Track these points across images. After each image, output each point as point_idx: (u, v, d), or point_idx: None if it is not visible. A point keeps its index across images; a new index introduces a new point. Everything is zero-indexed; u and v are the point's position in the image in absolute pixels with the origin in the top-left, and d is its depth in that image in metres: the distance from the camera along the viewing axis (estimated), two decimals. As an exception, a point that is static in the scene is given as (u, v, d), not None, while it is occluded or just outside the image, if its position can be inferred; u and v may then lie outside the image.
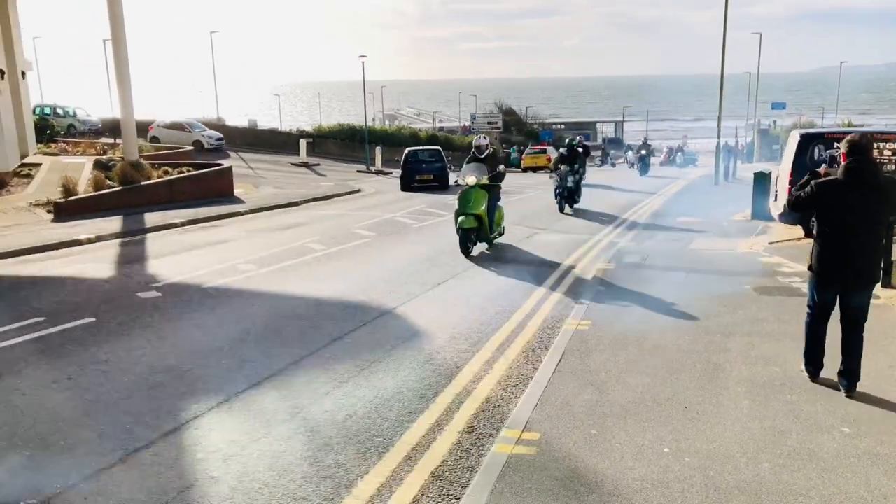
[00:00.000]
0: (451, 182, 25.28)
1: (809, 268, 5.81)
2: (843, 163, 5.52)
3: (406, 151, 28.48)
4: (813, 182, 5.63)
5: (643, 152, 34.34)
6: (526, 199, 22.39)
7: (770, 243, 12.86)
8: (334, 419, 5.39)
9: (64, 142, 29.62)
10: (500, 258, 11.93)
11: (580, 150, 20.72)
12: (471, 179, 12.02)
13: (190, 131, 39.08)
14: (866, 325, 5.66)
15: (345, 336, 7.51)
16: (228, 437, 5.10)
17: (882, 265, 6.33)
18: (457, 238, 11.87)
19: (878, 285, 8.82)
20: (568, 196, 18.39)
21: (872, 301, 5.75)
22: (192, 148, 33.81)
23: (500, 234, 13.02)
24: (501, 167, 12.68)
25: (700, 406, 5.45)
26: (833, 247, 5.54)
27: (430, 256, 11.95)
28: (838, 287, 5.62)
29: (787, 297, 8.73)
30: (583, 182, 19.55)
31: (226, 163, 23.94)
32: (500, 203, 12.76)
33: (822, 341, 5.87)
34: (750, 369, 6.23)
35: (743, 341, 7.02)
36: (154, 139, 38.25)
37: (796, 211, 6.19)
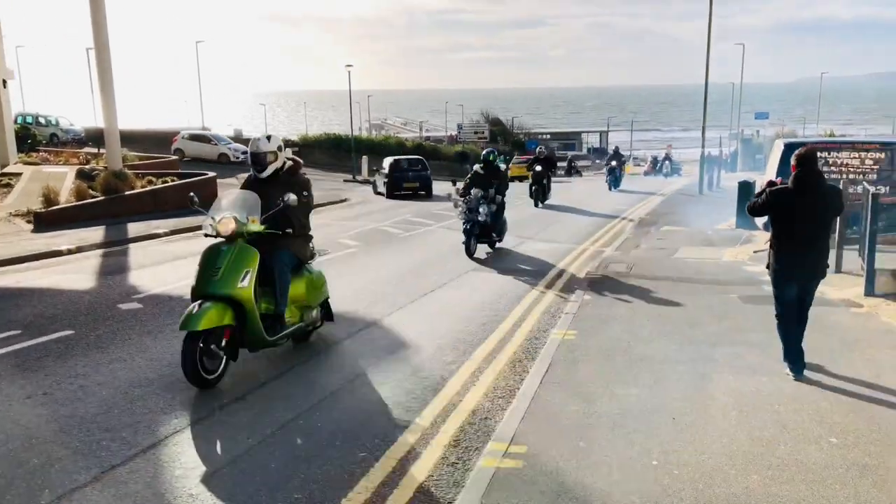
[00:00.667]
0: (440, 192, 25.31)
1: (767, 266, 6.44)
2: (793, 173, 6.13)
3: (391, 161, 28.83)
4: (768, 190, 6.30)
5: (613, 163, 31.38)
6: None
7: (755, 252, 12.88)
8: (318, 433, 5.29)
9: (46, 151, 29.27)
10: (488, 268, 11.87)
11: (503, 167, 17.21)
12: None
13: (216, 144, 38.79)
14: (852, 336, 5.74)
15: (330, 348, 7.41)
16: (209, 452, 4.99)
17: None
18: (443, 248, 11.99)
19: (862, 293, 8.88)
20: (482, 233, 13.18)
21: (855, 310, 6.78)
22: (216, 160, 35.11)
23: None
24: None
25: (688, 417, 5.40)
26: (787, 247, 6.20)
27: (417, 266, 11.88)
28: (795, 282, 6.24)
29: (772, 306, 8.70)
30: (503, 209, 13.72)
31: (210, 173, 23.76)
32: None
33: (794, 329, 6.31)
34: (737, 379, 6.20)
35: (729, 351, 6.99)
36: (178, 151, 38.15)
37: (754, 216, 6.73)
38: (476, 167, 13.71)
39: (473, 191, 12.95)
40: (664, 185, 33.25)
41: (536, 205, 22.63)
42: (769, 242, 6.44)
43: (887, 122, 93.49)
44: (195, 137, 39.90)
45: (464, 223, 12.97)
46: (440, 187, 27.74)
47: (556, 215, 20.50)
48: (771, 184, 6.44)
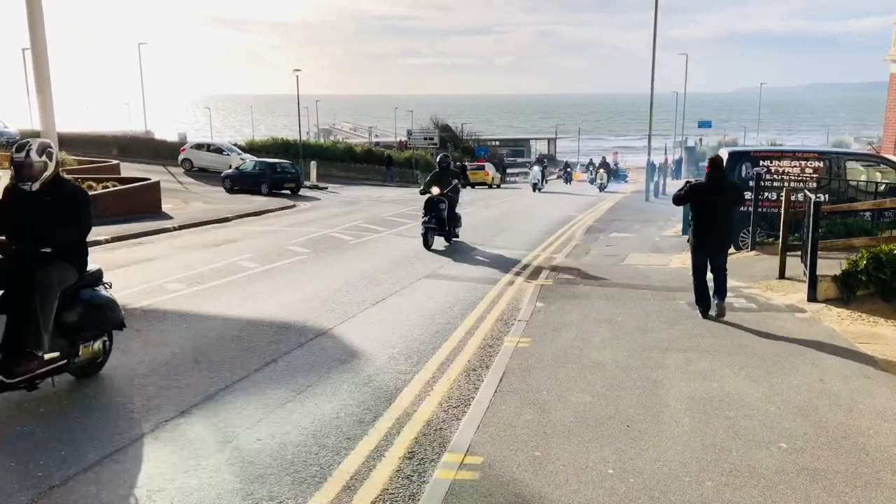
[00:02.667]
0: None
1: (688, 240, 9.00)
2: (707, 172, 8.59)
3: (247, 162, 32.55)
4: (688, 185, 8.89)
5: (536, 175, 35.44)
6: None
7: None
8: (268, 447, 5.13)
9: (-23, 154, 28.09)
10: (440, 275, 11.82)
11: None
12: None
13: (228, 154, 37.77)
14: (797, 341, 5.99)
15: (279, 359, 7.23)
16: (154, 469, 4.78)
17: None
18: (395, 255, 12.04)
19: (805, 298, 9.12)
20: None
21: (799, 315, 8.42)
22: (223, 172, 34.40)
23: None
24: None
25: (641, 424, 5.42)
26: (700, 227, 8.54)
27: (368, 274, 11.74)
28: (705, 252, 8.57)
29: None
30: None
31: (154, 178, 23.16)
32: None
33: (707, 289, 8.56)
34: (688, 385, 6.27)
35: (680, 357, 7.07)
36: (185, 162, 37.52)
37: (677, 205, 9.14)
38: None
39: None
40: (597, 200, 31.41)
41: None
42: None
43: (823, 131, 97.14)
44: (204, 147, 39.04)
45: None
46: (395, 193, 27.57)
47: (510, 221, 20.58)
48: (689, 182, 9.06)
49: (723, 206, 8.45)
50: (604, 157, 45.15)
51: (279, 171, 30.58)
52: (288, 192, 29.86)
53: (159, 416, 5.66)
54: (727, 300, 8.75)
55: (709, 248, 8.52)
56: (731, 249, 13.71)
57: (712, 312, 8.48)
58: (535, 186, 35.40)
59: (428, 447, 5.20)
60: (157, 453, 5.04)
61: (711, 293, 8.55)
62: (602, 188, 36.53)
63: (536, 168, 36.49)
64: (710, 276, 8.63)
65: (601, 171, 37.93)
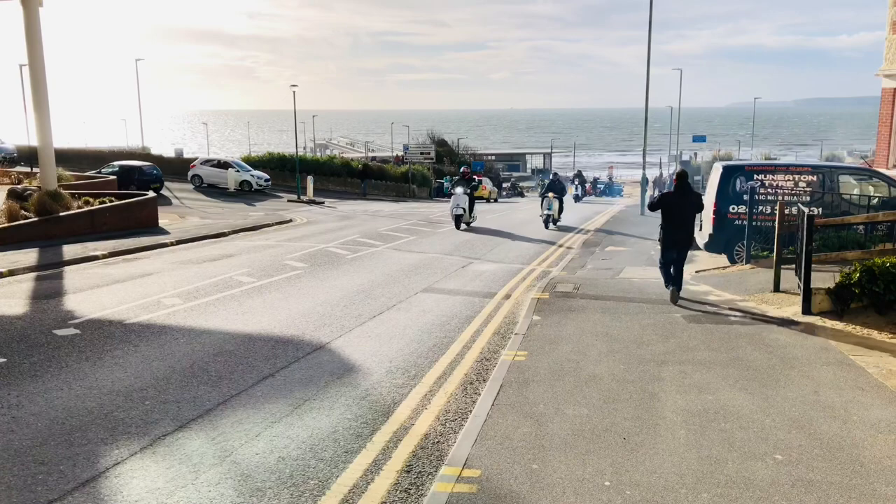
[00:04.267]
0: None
1: (659, 240, 10.67)
2: (675, 184, 10.43)
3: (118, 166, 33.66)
4: (659, 195, 10.85)
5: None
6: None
7: (697, 272, 13.20)
8: (266, 462, 5.15)
9: (-26, 170, 28.14)
10: (437, 289, 11.85)
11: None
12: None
13: (238, 171, 37.97)
14: (792, 353, 6.07)
15: (276, 373, 7.26)
16: (152, 484, 4.80)
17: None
18: (391, 269, 12.35)
19: (800, 311, 9.17)
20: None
21: (794, 328, 8.52)
22: (237, 188, 36.47)
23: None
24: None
25: (638, 437, 5.46)
26: (668, 229, 10.33)
27: (365, 288, 11.77)
28: (673, 250, 10.34)
29: (716, 325, 8.94)
30: None
31: (150, 193, 23.20)
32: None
33: (671, 273, 10.49)
34: (684, 398, 6.31)
35: (676, 370, 7.11)
36: (195, 178, 37.96)
37: (652, 210, 10.61)
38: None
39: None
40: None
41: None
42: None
43: (817, 145, 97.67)
44: (214, 163, 39.12)
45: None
46: (387, 207, 27.52)
47: (506, 234, 20.66)
48: (661, 192, 11.81)
49: (688, 212, 10.35)
50: (554, 173, 30.57)
51: (145, 174, 33.03)
52: (153, 192, 29.58)
53: (158, 431, 5.68)
54: (723, 311, 8.90)
55: (675, 246, 10.33)
56: (727, 262, 13.86)
57: (670, 296, 10.42)
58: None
59: (426, 460, 5.22)
60: (155, 468, 5.05)
61: (672, 282, 10.53)
62: (551, 221, 22.72)
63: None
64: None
65: (549, 194, 23.10)
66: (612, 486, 4.64)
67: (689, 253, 16.41)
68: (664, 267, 10.65)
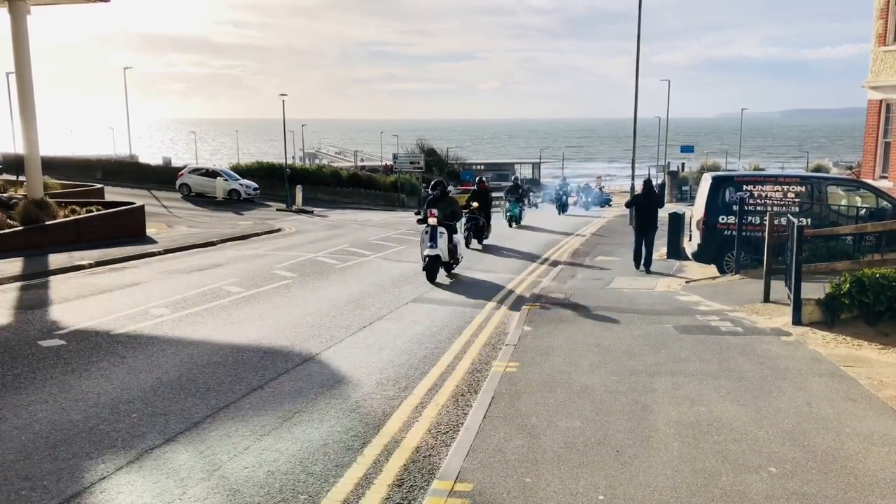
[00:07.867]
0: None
1: (629, 223, 20.36)
2: (643, 188, 15.72)
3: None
4: (631, 197, 18.90)
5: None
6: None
7: (687, 282, 13.23)
8: (255, 476, 5.07)
9: (-41, 178, 27.85)
10: (427, 299, 11.80)
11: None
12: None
13: (227, 180, 38.14)
14: (783, 364, 6.12)
15: (265, 385, 7.17)
16: (139, 500, 4.70)
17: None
18: (381, 279, 12.01)
19: (790, 322, 9.20)
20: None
21: (785, 339, 8.66)
22: (225, 197, 36.59)
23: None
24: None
25: (631, 449, 5.41)
26: (640, 218, 15.43)
27: (355, 298, 11.70)
28: (641, 234, 15.26)
29: (707, 335, 8.93)
30: None
31: (138, 202, 23.04)
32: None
33: (641, 254, 15.27)
34: (677, 409, 6.27)
35: (668, 381, 7.08)
36: (183, 187, 38.05)
37: (628, 208, 17.84)
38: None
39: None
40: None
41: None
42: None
43: (803, 156, 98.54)
44: (202, 172, 39.30)
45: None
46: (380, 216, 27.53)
47: (496, 245, 20.65)
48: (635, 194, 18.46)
49: (652, 207, 15.55)
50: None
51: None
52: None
53: (145, 444, 5.59)
54: (714, 321, 8.91)
55: (644, 231, 15.28)
56: (716, 273, 13.89)
57: (641, 269, 15.29)
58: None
59: (417, 474, 5.16)
60: (142, 482, 4.95)
61: (642, 261, 15.39)
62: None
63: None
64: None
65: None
66: (605, 501, 4.59)
67: (679, 263, 16.93)
68: (636, 247, 15.37)
